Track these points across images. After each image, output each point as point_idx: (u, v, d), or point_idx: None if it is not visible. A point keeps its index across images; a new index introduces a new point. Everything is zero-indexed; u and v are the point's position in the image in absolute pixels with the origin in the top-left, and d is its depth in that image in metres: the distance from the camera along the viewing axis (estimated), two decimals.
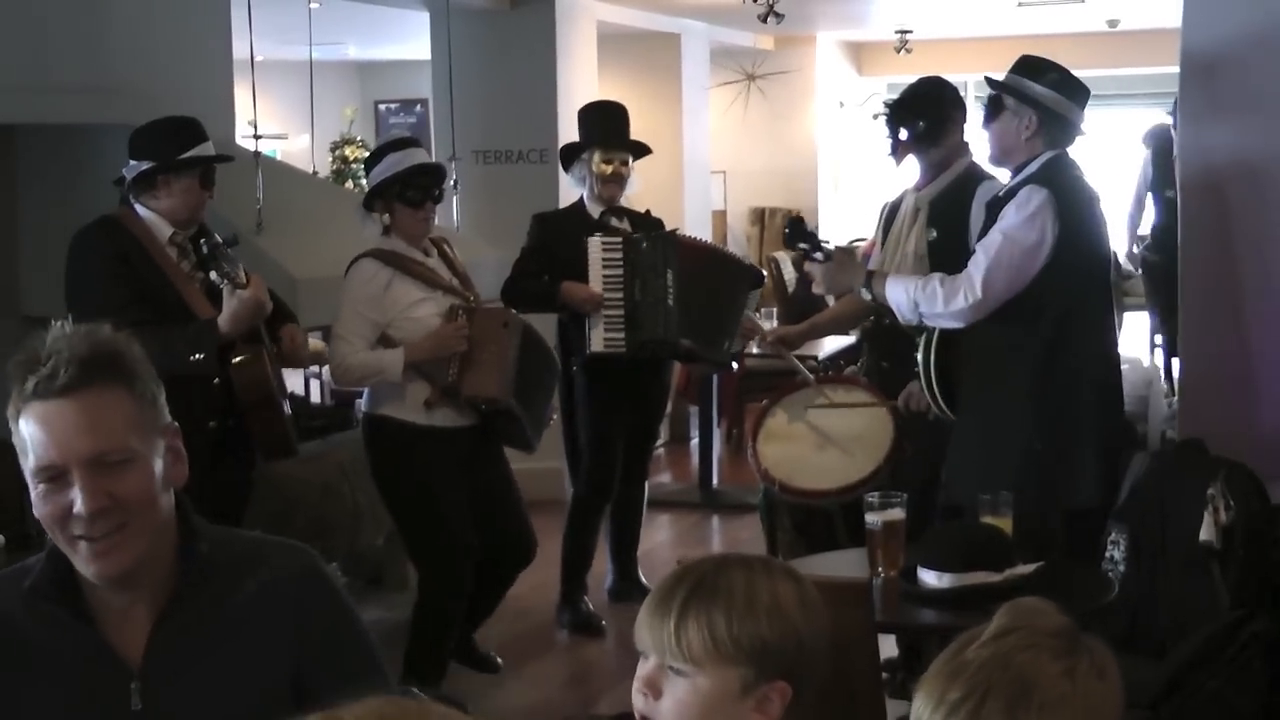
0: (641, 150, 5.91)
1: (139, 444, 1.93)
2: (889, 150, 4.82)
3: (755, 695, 1.90)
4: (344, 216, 5.25)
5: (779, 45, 12.32)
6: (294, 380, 7.32)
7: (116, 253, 4.26)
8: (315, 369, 9.32)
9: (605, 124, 5.86)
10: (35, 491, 1.93)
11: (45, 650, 1.98)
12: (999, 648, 1.59)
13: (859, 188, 13.01)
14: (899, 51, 12.15)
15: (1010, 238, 4.05)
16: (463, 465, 4.92)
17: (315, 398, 8.35)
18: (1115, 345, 4.39)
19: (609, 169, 5.74)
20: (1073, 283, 4.13)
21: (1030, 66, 4.25)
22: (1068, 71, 4.25)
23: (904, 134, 4.77)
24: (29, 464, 1.92)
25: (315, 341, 8.99)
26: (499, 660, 5.38)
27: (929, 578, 3.48)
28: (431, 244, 5.00)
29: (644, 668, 1.93)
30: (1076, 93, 4.24)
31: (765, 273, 6.36)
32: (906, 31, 11.93)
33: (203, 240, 4.27)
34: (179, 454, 2.02)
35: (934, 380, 4.33)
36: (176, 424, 2.03)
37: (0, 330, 5.51)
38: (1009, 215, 4.08)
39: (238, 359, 4.30)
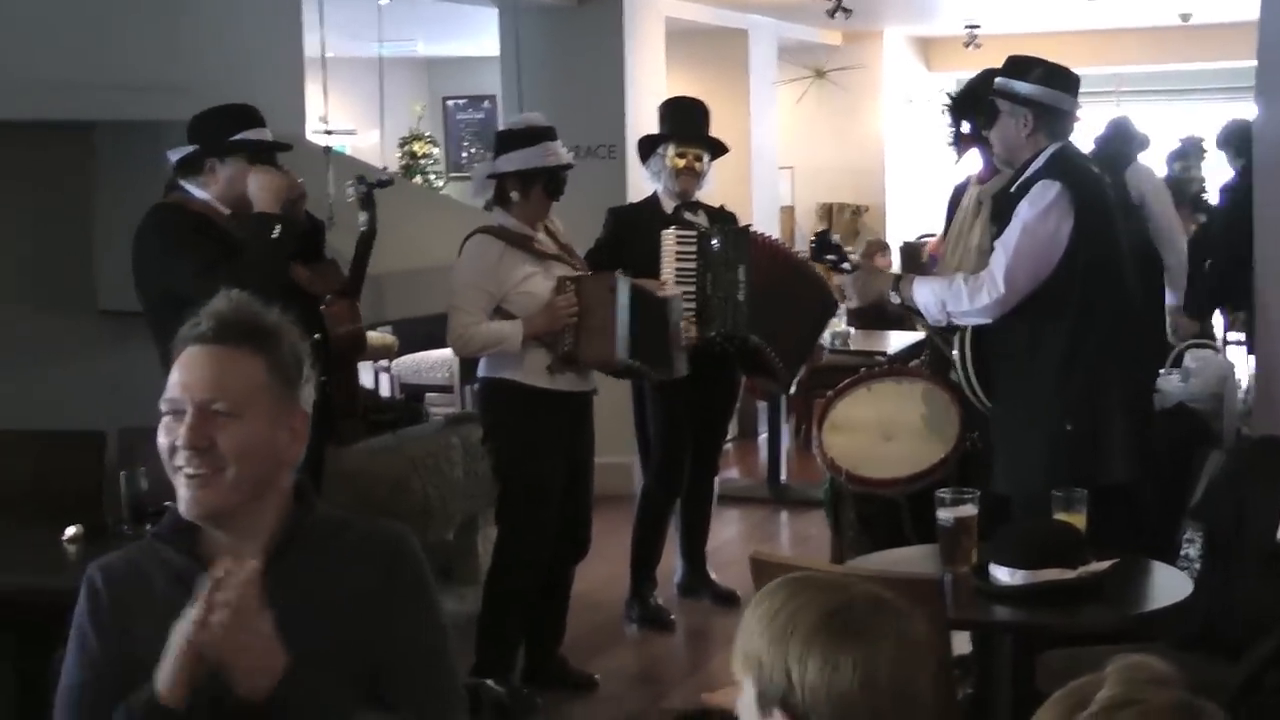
0: (719, 148, 5.93)
1: (256, 407, 2.10)
2: (950, 141, 4.86)
3: None
4: (415, 211, 5.27)
5: (847, 41, 12.27)
6: (364, 375, 7.36)
7: (191, 225, 4.25)
8: (385, 363, 9.39)
9: (681, 118, 5.92)
10: (161, 423, 2.12)
11: (163, 591, 2.14)
12: None
13: (927, 184, 12.93)
14: (968, 46, 12.05)
15: (1028, 231, 4.16)
16: (572, 432, 5.05)
17: (385, 392, 8.40)
18: (1140, 325, 4.47)
19: (682, 162, 5.79)
20: (1091, 269, 4.20)
21: (1016, 67, 4.35)
22: (1054, 65, 4.34)
23: (966, 127, 4.77)
24: (162, 398, 2.12)
25: (385, 336, 9.09)
26: (596, 676, 5.39)
27: (1001, 574, 3.47)
28: None
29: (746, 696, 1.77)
30: (1066, 83, 4.33)
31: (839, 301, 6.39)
32: (975, 26, 11.85)
33: (361, 177, 4.25)
34: (299, 435, 2.18)
35: (972, 374, 4.40)
36: (309, 412, 2.19)
37: (78, 326, 5.58)
38: (1024, 210, 4.18)
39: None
